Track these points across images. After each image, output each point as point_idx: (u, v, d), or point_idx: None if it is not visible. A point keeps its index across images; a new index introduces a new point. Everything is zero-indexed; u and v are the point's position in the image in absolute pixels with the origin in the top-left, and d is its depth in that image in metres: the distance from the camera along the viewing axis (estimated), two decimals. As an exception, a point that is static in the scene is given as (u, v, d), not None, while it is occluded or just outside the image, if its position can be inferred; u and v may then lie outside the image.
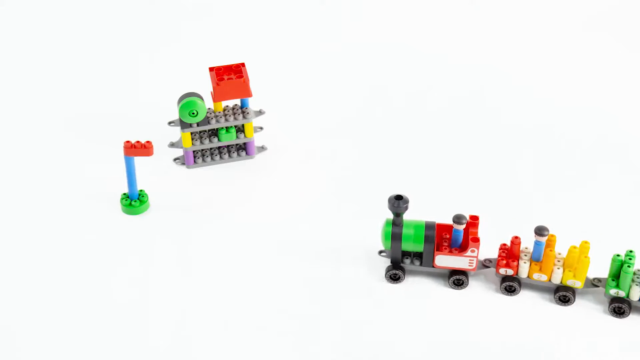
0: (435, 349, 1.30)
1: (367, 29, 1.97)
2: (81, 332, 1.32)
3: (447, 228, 1.38)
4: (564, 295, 1.34)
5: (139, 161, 1.51)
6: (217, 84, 1.55)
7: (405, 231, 1.35)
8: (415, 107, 1.75)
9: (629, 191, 1.56)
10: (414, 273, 1.41)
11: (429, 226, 1.35)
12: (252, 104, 1.64)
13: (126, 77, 1.83)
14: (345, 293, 1.38)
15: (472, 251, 1.34)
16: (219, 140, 1.60)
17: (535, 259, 1.34)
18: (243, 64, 1.59)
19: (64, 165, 1.61)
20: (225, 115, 1.58)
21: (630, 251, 1.31)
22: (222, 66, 1.58)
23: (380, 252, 1.41)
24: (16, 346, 1.31)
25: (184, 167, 1.61)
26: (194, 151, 1.60)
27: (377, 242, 1.42)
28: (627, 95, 1.78)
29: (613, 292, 1.32)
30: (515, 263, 1.35)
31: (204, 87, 1.65)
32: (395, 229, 1.34)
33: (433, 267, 1.37)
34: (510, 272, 1.35)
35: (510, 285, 1.36)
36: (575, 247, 1.33)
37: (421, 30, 1.97)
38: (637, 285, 1.30)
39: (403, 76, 1.83)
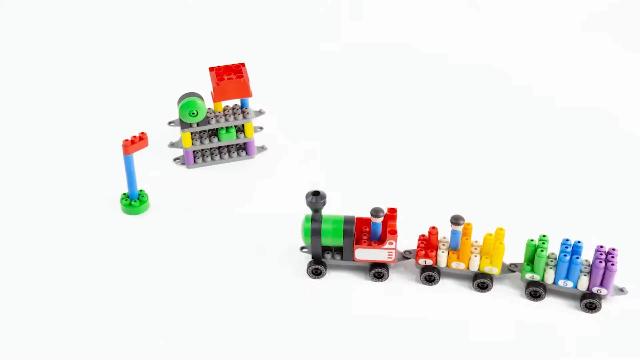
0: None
1: (367, 29, 1.97)
2: (81, 331, 1.32)
3: (367, 222, 1.39)
4: (482, 282, 1.36)
5: (139, 161, 1.51)
6: (217, 84, 1.55)
7: (324, 226, 1.36)
8: (415, 107, 1.75)
9: (629, 191, 1.56)
10: (337, 267, 1.42)
11: (348, 220, 1.37)
12: (252, 104, 1.64)
13: (126, 77, 1.83)
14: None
15: (390, 243, 1.36)
16: (219, 140, 1.60)
17: (453, 247, 1.36)
18: (243, 64, 1.59)
19: (64, 165, 1.61)
20: (225, 115, 1.58)
21: (544, 235, 1.34)
22: (222, 66, 1.58)
23: (302, 248, 1.42)
24: (16, 346, 1.31)
25: (184, 167, 1.61)
26: (194, 151, 1.60)
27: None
28: (627, 95, 1.78)
29: (529, 276, 1.35)
30: (433, 253, 1.37)
31: (204, 87, 1.65)
32: (314, 225, 1.36)
33: (354, 260, 1.38)
34: (429, 262, 1.37)
35: (429, 275, 1.38)
36: (490, 235, 1.35)
37: (421, 30, 1.97)
38: (551, 268, 1.33)
39: (403, 76, 1.83)
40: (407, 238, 1.41)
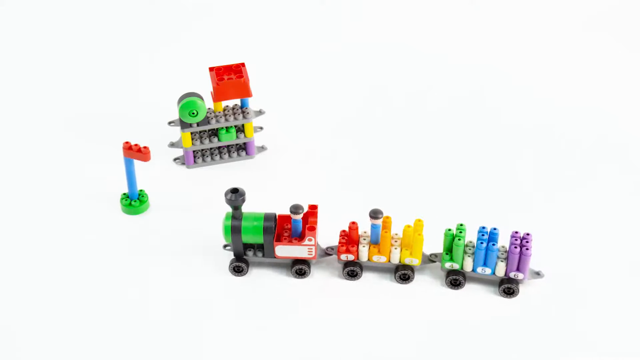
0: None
1: (367, 29, 1.97)
2: (81, 331, 1.32)
3: (290, 219, 1.39)
4: (403, 273, 1.38)
5: (139, 161, 1.51)
6: (217, 84, 1.55)
7: (244, 224, 1.37)
8: (415, 107, 1.75)
9: (629, 191, 1.55)
10: (260, 265, 1.42)
11: (268, 218, 1.37)
12: (252, 104, 1.64)
13: (126, 77, 1.83)
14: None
15: (310, 240, 1.36)
16: (219, 140, 1.60)
17: (374, 241, 1.38)
18: (243, 64, 1.59)
19: (64, 165, 1.61)
20: (225, 115, 1.58)
21: (461, 224, 1.36)
22: (222, 66, 1.58)
23: (225, 246, 1.42)
24: (16, 346, 1.31)
25: (184, 167, 1.61)
26: (194, 151, 1.60)
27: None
28: (627, 95, 1.78)
29: (448, 265, 1.37)
30: (354, 248, 1.37)
31: (204, 87, 1.65)
32: (234, 222, 1.37)
33: (275, 257, 1.39)
34: (351, 257, 1.38)
35: (352, 270, 1.39)
36: (409, 226, 1.36)
37: (421, 30, 1.97)
38: (469, 256, 1.35)
39: (403, 76, 1.83)
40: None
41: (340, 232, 1.39)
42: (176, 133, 1.65)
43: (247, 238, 1.38)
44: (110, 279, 1.40)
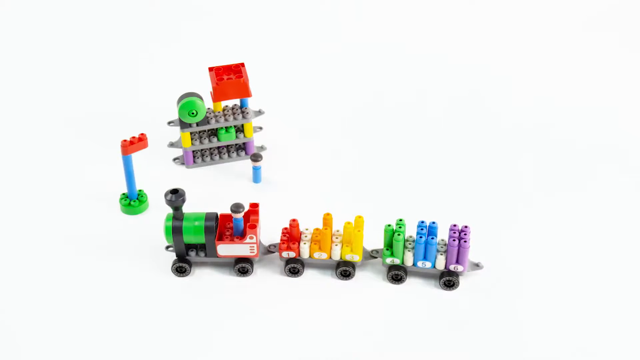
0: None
1: (367, 29, 1.97)
2: (81, 331, 1.32)
3: (231, 218, 1.39)
4: (344, 270, 1.39)
5: (138, 161, 1.51)
6: (217, 84, 1.55)
7: (185, 224, 1.37)
8: (415, 107, 1.75)
9: (629, 191, 1.55)
10: (204, 265, 1.42)
11: (209, 217, 1.37)
12: (252, 104, 1.64)
13: (126, 77, 1.83)
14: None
15: (251, 238, 1.37)
16: (218, 140, 1.60)
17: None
18: (243, 64, 1.59)
19: (64, 165, 1.61)
20: (224, 115, 1.58)
21: (400, 220, 1.37)
22: (221, 66, 1.58)
23: (167, 247, 1.42)
24: (16, 346, 1.31)
25: (183, 167, 1.61)
26: (193, 151, 1.60)
27: (373, 241, 1.43)
28: (627, 95, 1.78)
29: (389, 260, 1.38)
30: (295, 245, 1.38)
31: (204, 87, 1.65)
32: (175, 223, 1.37)
33: (217, 257, 1.39)
34: (292, 254, 1.38)
35: (293, 267, 1.39)
36: (349, 223, 1.37)
37: (421, 30, 1.97)
38: (409, 251, 1.36)
39: (403, 76, 1.83)
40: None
41: (282, 230, 1.40)
42: (176, 133, 1.65)
43: (188, 238, 1.38)
44: (110, 278, 1.40)
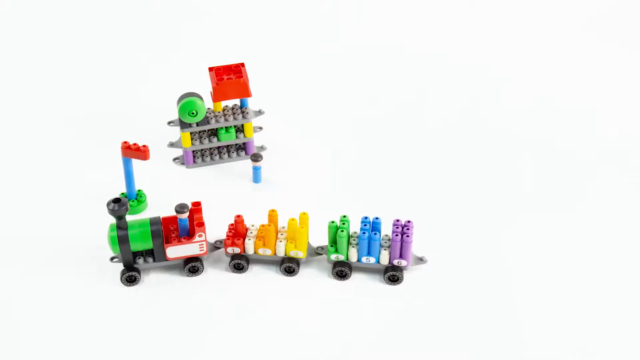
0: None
1: (367, 29, 1.98)
2: (80, 331, 1.32)
3: (174, 220, 1.39)
4: (288, 266, 1.39)
5: (138, 161, 1.51)
6: (217, 84, 1.55)
7: (130, 232, 1.35)
8: (415, 107, 1.75)
9: (629, 191, 1.55)
10: (152, 270, 1.42)
11: (154, 222, 1.37)
12: (252, 104, 1.64)
13: (126, 77, 1.83)
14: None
15: (200, 236, 1.37)
16: (218, 140, 1.60)
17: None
18: (243, 64, 1.59)
19: (63, 165, 1.61)
20: (224, 115, 1.58)
21: (344, 216, 1.38)
22: (221, 66, 1.58)
23: (112, 258, 1.40)
24: (16, 346, 1.31)
25: (183, 167, 1.61)
26: (193, 151, 1.60)
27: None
28: (627, 96, 1.78)
29: (334, 257, 1.39)
30: (240, 241, 1.39)
31: (204, 87, 1.65)
32: (120, 232, 1.35)
33: (167, 260, 1.39)
34: (237, 250, 1.39)
35: (238, 263, 1.40)
36: (293, 219, 1.38)
37: (421, 30, 1.97)
38: (353, 247, 1.37)
39: (403, 76, 1.83)
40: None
41: (228, 226, 1.41)
42: (176, 133, 1.65)
43: (135, 246, 1.36)
44: (109, 278, 1.40)
